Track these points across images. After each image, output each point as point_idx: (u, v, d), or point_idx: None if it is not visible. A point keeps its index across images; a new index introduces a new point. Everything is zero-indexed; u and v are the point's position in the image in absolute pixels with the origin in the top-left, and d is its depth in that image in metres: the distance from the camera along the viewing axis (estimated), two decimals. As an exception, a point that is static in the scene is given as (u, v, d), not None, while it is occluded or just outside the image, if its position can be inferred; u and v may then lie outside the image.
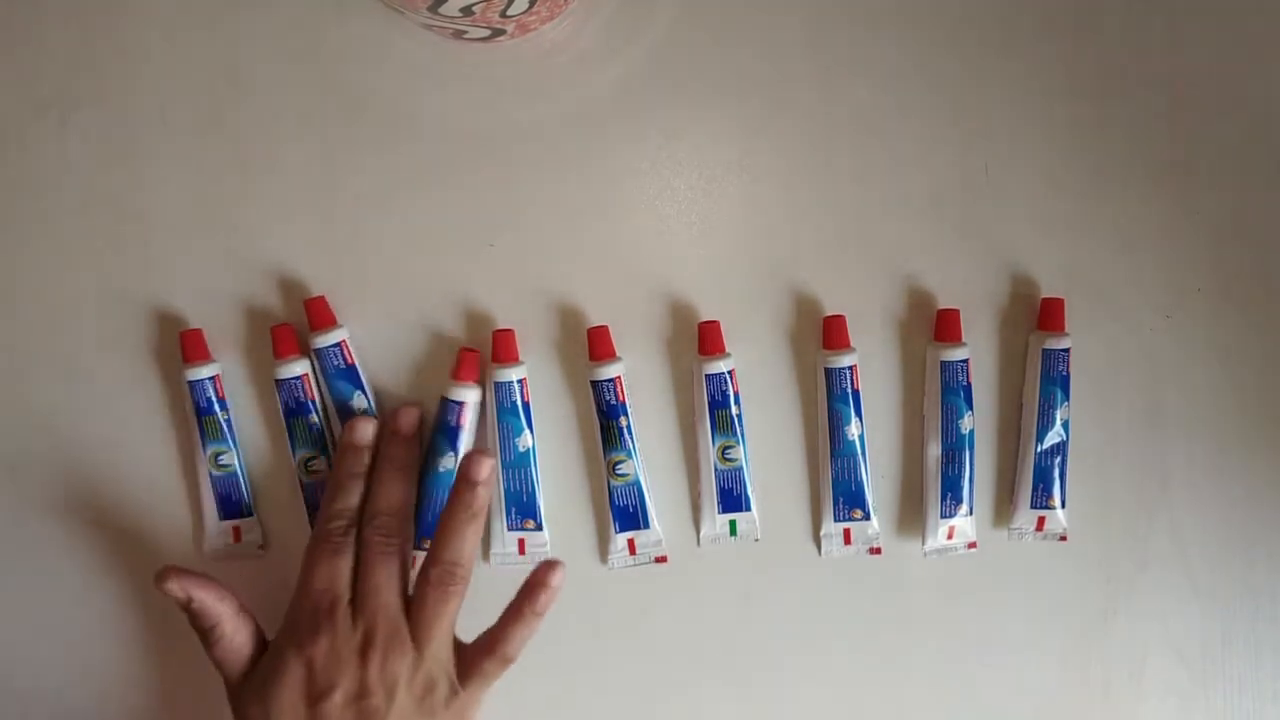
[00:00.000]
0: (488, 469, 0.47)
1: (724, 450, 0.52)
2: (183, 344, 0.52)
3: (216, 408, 0.52)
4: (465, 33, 0.49)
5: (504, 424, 0.51)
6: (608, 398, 0.51)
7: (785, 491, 0.53)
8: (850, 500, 0.52)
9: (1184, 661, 0.54)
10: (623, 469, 0.52)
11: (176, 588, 0.46)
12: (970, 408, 0.52)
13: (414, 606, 0.46)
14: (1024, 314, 0.53)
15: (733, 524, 0.53)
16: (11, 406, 0.53)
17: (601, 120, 0.52)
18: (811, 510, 0.53)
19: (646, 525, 0.52)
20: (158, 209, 0.53)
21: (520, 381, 0.51)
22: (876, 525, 0.52)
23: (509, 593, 0.48)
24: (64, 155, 0.52)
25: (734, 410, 0.51)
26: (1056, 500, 0.52)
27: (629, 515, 0.52)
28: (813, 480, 0.53)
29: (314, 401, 0.52)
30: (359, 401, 0.52)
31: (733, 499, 0.52)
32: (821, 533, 0.53)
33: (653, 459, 0.53)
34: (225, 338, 0.53)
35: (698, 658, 0.54)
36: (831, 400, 0.52)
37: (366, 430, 0.50)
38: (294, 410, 0.52)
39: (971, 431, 0.52)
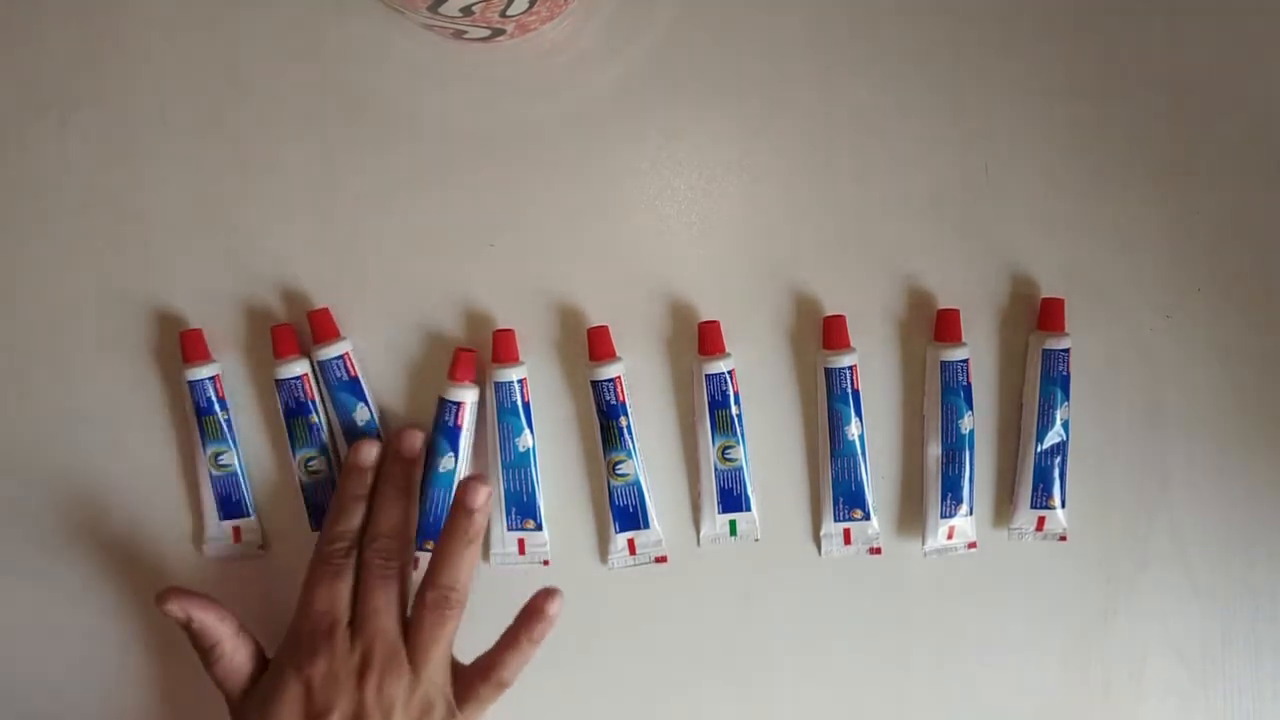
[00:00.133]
0: (484, 496, 0.47)
1: (724, 450, 0.52)
2: (183, 344, 0.52)
3: (216, 408, 0.52)
4: (465, 33, 0.49)
5: (504, 424, 0.51)
6: (608, 398, 0.51)
7: (785, 491, 0.53)
8: (850, 500, 0.52)
9: (1184, 661, 0.54)
10: (623, 469, 0.52)
11: (177, 608, 0.47)
12: (970, 408, 0.52)
13: (411, 629, 0.47)
14: (1024, 314, 0.53)
15: (733, 524, 0.53)
16: (11, 406, 0.53)
17: (601, 120, 0.52)
18: (811, 510, 0.53)
19: (646, 525, 0.52)
20: (158, 209, 0.53)
21: (520, 381, 0.51)
22: (876, 525, 0.52)
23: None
24: (64, 155, 0.52)
25: (734, 410, 0.51)
26: (1056, 500, 0.52)
27: (629, 515, 0.52)
28: (813, 480, 0.53)
29: (314, 401, 0.52)
30: (362, 414, 0.52)
31: (733, 499, 0.52)
32: (821, 533, 0.53)
33: (653, 459, 0.53)
34: (225, 338, 0.53)
35: (698, 658, 0.54)
36: (831, 400, 0.52)
37: (370, 452, 0.50)
38: (294, 410, 0.51)
39: (971, 431, 0.52)
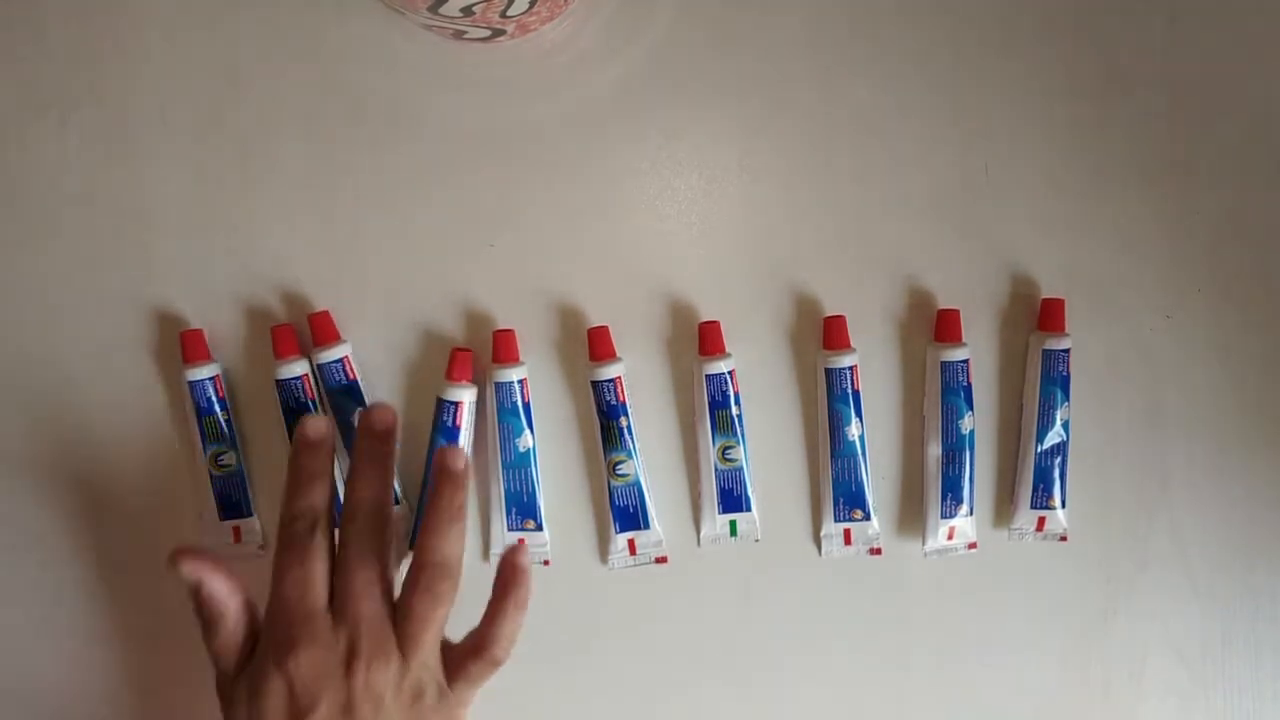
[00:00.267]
0: (463, 458, 0.46)
1: (724, 450, 0.52)
2: (183, 344, 0.52)
3: (216, 408, 0.52)
4: (465, 33, 0.49)
5: (504, 424, 0.51)
6: (608, 398, 0.51)
7: (785, 492, 0.53)
8: (850, 500, 0.52)
9: (1184, 661, 0.54)
10: (623, 469, 0.52)
11: (189, 571, 0.45)
12: (970, 408, 0.52)
13: (401, 613, 0.45)
14: (1024, 314, 0.53)
15: (733, 524, 0.53)
16: (11, 407, 0.53)
17: (601, 120, 0.52)
18: (812, 510, 0.53)
19: (647, 525, 0.52)
20: (158, 209, 0.53)
21: (521, 382, 0.51)
22: (877, 525, 0.52)
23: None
24: (64, 155, 0.52)
25: (734, 410, 0.51)
26: (1056, 500, 0.52)
27: (629, 515, 0.52)
28: (813, 480, 0.53)
29: (314, 401, 0.52)
30: None
31: (733, 499, 0.52)
32: (822, 533, 0.53)
33: (653, 459, 0.53)
34: (225, 338, 0.53)
35: (698, 658, 0.54)
36: (832, 400, 0.52)
37: (319, 425, 0.47)
38: (294, 410, 0.51)
39: (972, 432, 0.52)
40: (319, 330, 0.52)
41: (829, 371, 0.51)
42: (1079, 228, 0.53)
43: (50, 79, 0.52)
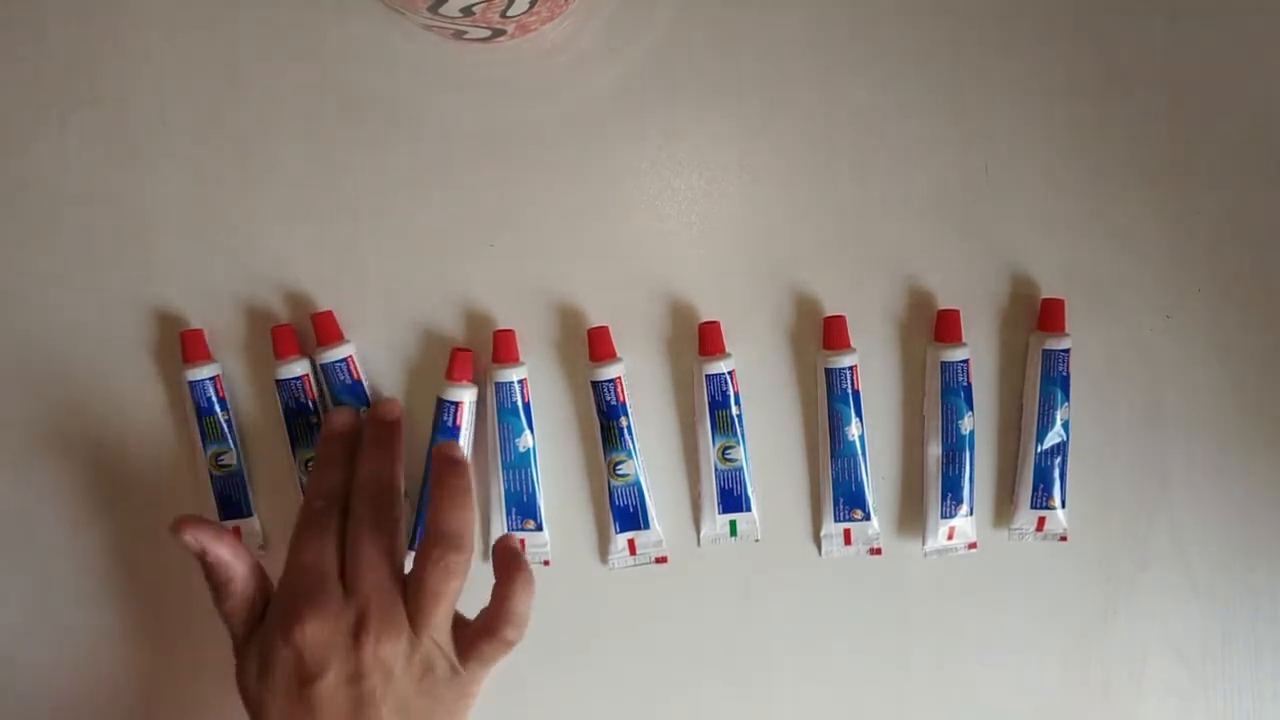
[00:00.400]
0: (460, 449, 0.47)
1: (724, 450, 0.52)
2: (183, 344, 0.52)
3: (216, 408, 0.52)
4: (465, 33, 0.49)
5: (504, 424, 0.51)
6: (608, 398, 0.51)
7: (785, 492, 0.53)
8: (850, 500, 0.52)
9: (1184, 661, 0.54)
10: (623, 469, 0.52)
11: (191, 539, 0.45)
12: (970, 408, 0.52)
13: (412, 588, 0.44)
14: (1024, 314, 0.53)
15: (733, 524, 0.53)
16: (11, 407, 0.53)
17: (601, 120, 0.52)
18: (812, 510, 0.53)
19: (647, 525, 0.52)
20: (158, 209, 0.53)
21: (521, 382, 0.51)
22: (877, 525, 0.53)
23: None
24: (64, 155, 0.52)
25: (734, 410, 0.51)
26: (1056, 500, 0.52)
27: (629, 515, 0.52)
28: (813, 480, 0.53)
29: (314, 401, 0.52)
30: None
31: (733, 499, 0.52)
32: (822, 533, 0.53)
33: (653, 459, 0.53)
34: (225, 338, 0.53)
35: (698, 658, 0.54)
36: (832, 400, 0.52)
37: (344, 416, 0.51)
38: (294, 410, 0.52)
39: (972, 432, 0.52)
40: (322, 330, 0.52)
41: (829, 371, 0.51)
42: (1079, 228, 0.53)
43: (50, 79, 0.52)
